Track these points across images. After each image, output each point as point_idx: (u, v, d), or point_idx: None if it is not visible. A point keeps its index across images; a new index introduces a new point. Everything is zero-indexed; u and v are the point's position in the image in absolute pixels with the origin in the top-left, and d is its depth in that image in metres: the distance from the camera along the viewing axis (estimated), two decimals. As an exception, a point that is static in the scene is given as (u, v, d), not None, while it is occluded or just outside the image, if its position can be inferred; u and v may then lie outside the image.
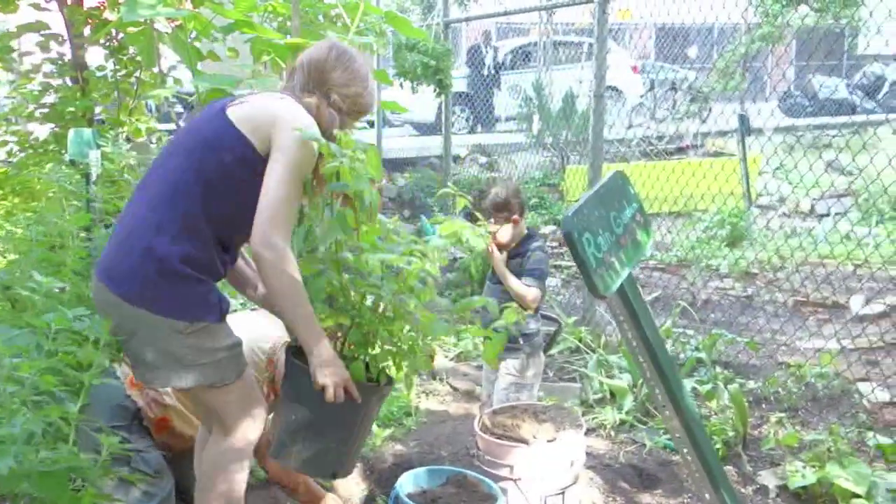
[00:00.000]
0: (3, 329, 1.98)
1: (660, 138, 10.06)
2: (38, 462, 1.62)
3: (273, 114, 2.00)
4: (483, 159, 10.64)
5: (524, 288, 3.01)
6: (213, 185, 1.99)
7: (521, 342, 3.10)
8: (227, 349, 2.03)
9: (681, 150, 10.31)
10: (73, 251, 3.33)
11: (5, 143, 6.62)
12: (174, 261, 1.92)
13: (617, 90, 11.92)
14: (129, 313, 1.92)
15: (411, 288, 2.06)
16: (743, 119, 7.94)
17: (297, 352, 2.01)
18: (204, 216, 1.97)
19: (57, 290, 3.22)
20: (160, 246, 1.93)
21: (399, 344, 2.10)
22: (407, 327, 2.10)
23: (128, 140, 5.99)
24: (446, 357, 4.49)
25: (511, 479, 2.52)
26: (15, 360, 1.72)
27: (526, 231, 3.15)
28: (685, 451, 2.03)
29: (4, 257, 3.91)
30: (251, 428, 2.09)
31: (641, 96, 12.96)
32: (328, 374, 1.91)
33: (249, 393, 2.11)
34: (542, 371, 3.34)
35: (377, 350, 2.05)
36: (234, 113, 2.04)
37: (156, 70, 6.32)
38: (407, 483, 2.46)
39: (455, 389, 4.09)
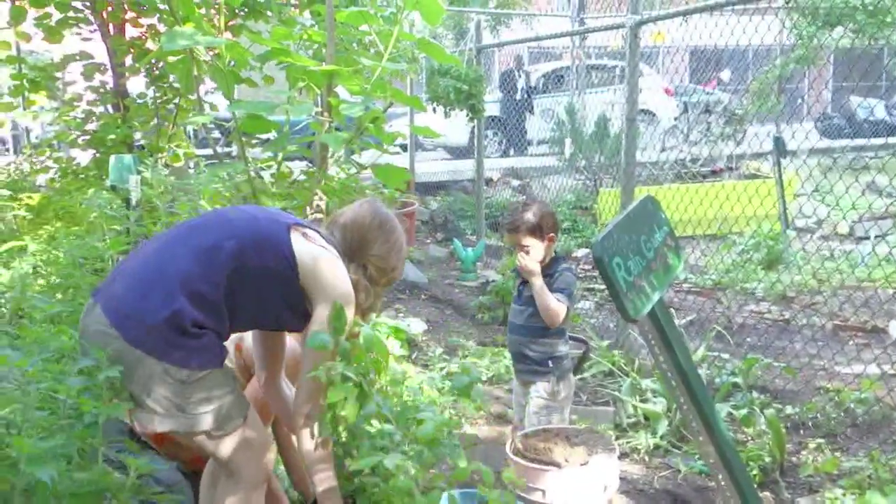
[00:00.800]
0: (40, 349, 2.02)
1: (694, 161, 10.00)
2: (72, 483, 1.66)
3: (326, 283, 2.07)
4: (515, 182, 10.67)
5: (557, 304, 3.00)
6: (245, 273, 2.01)
7: (551, 364, 3.09)
8: (227, 395, 2.01)
9: (715, 173, 10.23)
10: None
11: (48, 168, 6.82)
12: (187, 321, 1.92)
13: (650, 113, 11.87)
14: (130, 355, 1.88)
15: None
16: (778, 141, 7.87)
17: None
18: (225, 296, 1.99)
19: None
20: (180, 305, 1.91)
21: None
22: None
23: (166, 166, 6.13)
24: (479, 381, 4.48)
25: (543, 503, 2.50)
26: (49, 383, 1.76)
27: (554, 254, 3.16)
28: (720, 476, 2.01)
29: (47, 280, 4.00)
30: (259, 467, 2.09)
31: (675, 119, 12.90)
32: None
33: (256, 432, 2.09)
34: (574, 394, 3.32)
35: None
36: (298, 240, 2.09)
37: (194, 97, 6.49)
38: (438, 506, 2.46)
39: (486, 413, 4.08)
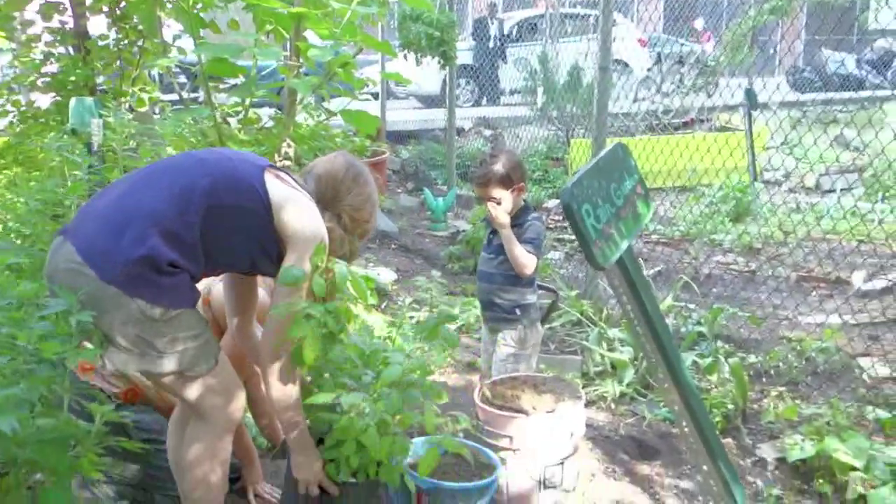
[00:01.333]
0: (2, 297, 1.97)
1: (666, 112, 9.99)
2: (36, 430, 1.63)
3: (300, 224, 2.05)
4: (487, 132, 10.60)
5: (526, 255, 3.01)
6: (219, 213, 1.98)
7: (519, 313, 3.10)
8: (199, 336, 1.99)
9: (687, 125, 10.24)
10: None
11: (6, 112, 6.61)
12: (162, 261, 1.89)
13: (623, 63, 11.81)
14: (102, 292, 1.86)
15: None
16: (750, 93, 7.88)
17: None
18: (200, 236, 1.96)
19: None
20: (155, 243, 1.89)
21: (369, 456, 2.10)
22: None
23: (131, 110, 5.97)
24: (448, 329, 4.49)
25: (510, 450, 2.53)
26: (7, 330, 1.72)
27: (523, 203, 3.14)
28: (683, 423, 2.04)
29: (5, 226, 3.91)
30: (232, 410, 2.08)
31: (648, 70, 12.85)
32: (303, 472, 2.11)
33: (227, 377, 2.08)
34: (542, 343, 3.34)
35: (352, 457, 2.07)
36: (272, 182, 2.06)
37: (158, 40, 6.30)
38: (406, 453, 2.48)
39: (455, 361, 4.10)
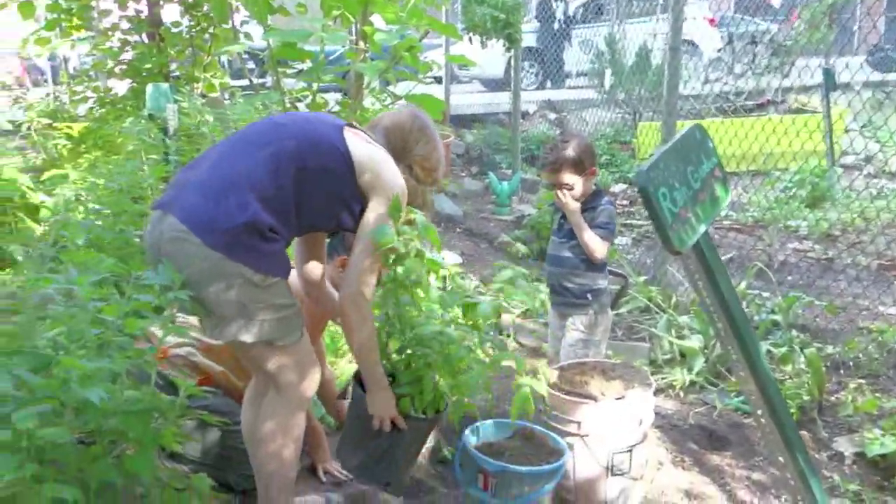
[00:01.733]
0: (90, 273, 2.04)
1: (738, 94, 9.70)
2: (122, 401, 1.69)
3: (382, 179, 2.11)
4: (552, 115, 10.48)
5: (597, 240, 2.99)
6: (306, 175, 2.04)
7: (590, 298, 3.07)
8: (291, 307, 2.06)
9: (760, 107, 9.92)
10: (151, 201, 3.43)
11: (86, 98, 6.85)
12: (264, 226, 1.97)
13: (693, 44, 11.49)
14: (207, 259, 1.92)
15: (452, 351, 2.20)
16: (828, 73, 7.58)
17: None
18: (292, 200, 2.03)
19: (137, 240, 3.34)
20: (256, 209, 1.95)
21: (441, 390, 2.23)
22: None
23: (202, 96, 6.11)
24: (513, 314, 4.49)
25: (578, 435, 2.51)
26: (102, 304, 1.78)
27: (594, 187, 3.10)
28: (759, 413, 1.99)
29: (87, 208, 4.05)
30: (307, 387, 2.14)
31: (719, 50, 12.48)
32: (378, 408, 2.14)
33: (306, 353, 2.14)
34: (611, 329, 3.30)
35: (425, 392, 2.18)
36: (352, 140, 2.11)
37: (228, 26, 6.42)
38: (473, 435, 2.49)
39: (521, 345, 4.09)
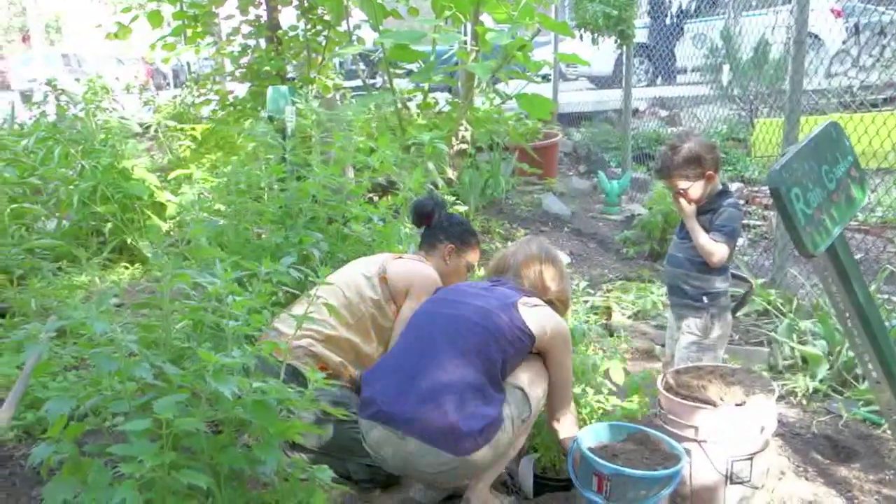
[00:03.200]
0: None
1: (864, 88, 9.17)
2: (251, 392, 1.77)
3: (558, 338, 2.49)
4: (663, 113, 10.22)
5: (711, 244, 2.89)
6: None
7: (706, 301, 2.98)
8: None
9: (890, 101, 9.35)
10: (271, 201, 3.57)
11: (209, 101, 7.19)
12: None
13: (815, 37, 10.95)
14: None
15: None
16: (966, 64, 7.06)
17: None
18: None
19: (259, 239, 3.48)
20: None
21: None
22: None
23: (316, 97, 6.30)
24: (624, 315, 4.41)
25: (695, 441, 2.45)
26: (236, 299, 1.86)
27: (720, 187, 3.00)
28: (896, 423, 1.89)
29: (210, 206, 4.25)
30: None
31: (844, 42, 11.84)
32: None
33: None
34: (729, 334, 3.19)
35: None
36: (529, 317, 2.41)
37: (342, 28, 6.60)
38: (588, 437, 2.46)
39: (634, 348, 4.01)
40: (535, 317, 2.43)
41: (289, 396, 1.77)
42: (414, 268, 2.95)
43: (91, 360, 1.75)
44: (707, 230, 2.94)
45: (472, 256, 3.16)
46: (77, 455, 1.71)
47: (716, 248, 2.89)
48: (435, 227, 3.13)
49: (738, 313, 3.40)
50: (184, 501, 1.66)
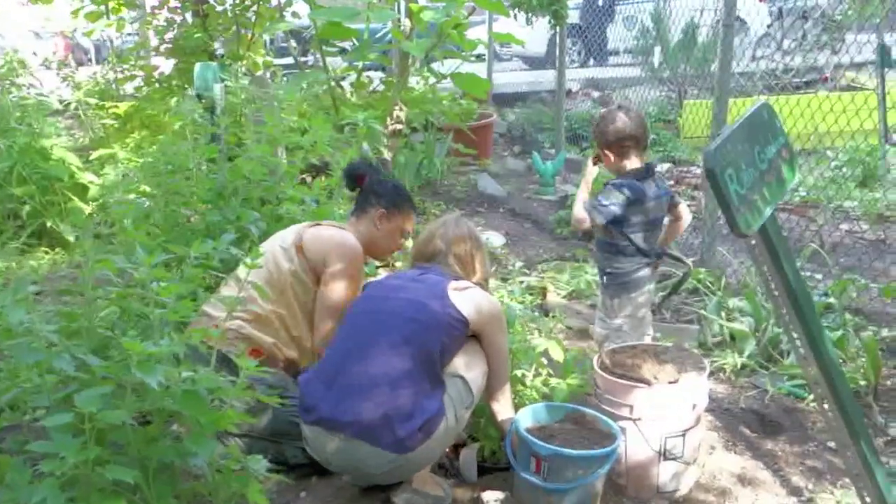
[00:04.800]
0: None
1: (786, 71, 9.44)
2: (181, 381, 1.70)
3: (492, 319, 2.48)
4: (596, 94, 10.34)
5: (579, 209, 3.06)
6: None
7: (605, 279, 3.08)
8: None
9: (809, 84, 9.66)
10: (200, 181, 3.45)
11: (133, 77, 6.91)
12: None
13: (741, 20, 11.20)
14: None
15: None
16: (882, 49, 7.33)
17: None
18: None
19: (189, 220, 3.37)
20: None
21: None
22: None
23: (245, 75, 6.13)
24: (559, 295, 4.45)
25: (630, 419, 2.48)
26: (162, 285, 1.79)
27: (637, 165, 3.04)
28: (823, 398, 1.94)
29: (135, 188, 4.10)
30: None
31: (769, 26, 12.16)
32: None
33: None
34: (658, 311, 3.24)
35: None
36: (459, 301, 2.39)
37: (272, 4, 6.42)
38: (525, 418, 2.47)
39: (568, 328, 4.05)
40: (467, 300, 2.42)
41: (220, 385, 1.71)
42: (329, 235, 2.81)
43: (8, 352, 1.66)
44: None
45: (406, 222, 3.01)
46: (-7, 453, 1.62)
47: (579, 214, 3.06)
48: (366, 190, 2.97)
49: (674, 295, 3.45)
50: (111, 498, 1.59)
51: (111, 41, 8.83)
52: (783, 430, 3.08)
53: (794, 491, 2.68)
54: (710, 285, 4.23)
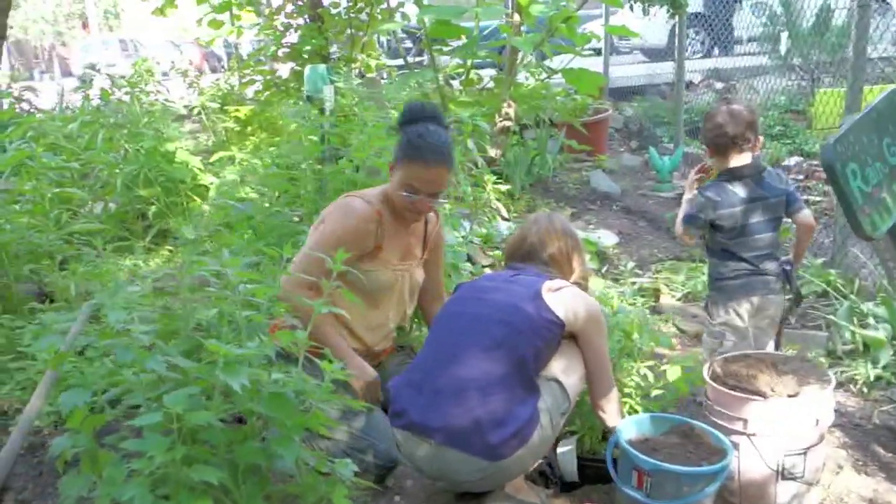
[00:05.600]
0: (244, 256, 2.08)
1: (937, 55, 8.68)
2: (269, 384, 1.70)
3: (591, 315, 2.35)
4: (719, 85, 9.87)
5: (678, 220, 2.97)
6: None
7: (709, 285, 3.01)
8: None
9: (962, 69, 8.84)
10: (307, 182, 3.51)
11: (253, 81, 7.18)
12: None
13: (883, 1, 10.41)
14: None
15: None
16: None
17: None
18: None
19: (295, 221, 3.42)
20: None
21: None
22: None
23: (360, 76, 6.23)
24: (673, 297, 4.24)
25: (744, 434, 2.31)
26: (251, 286, 1.80)
27: (731, 164, 2.85)
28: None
29: (252, 188, 4.22)
30: None
31: (916, 6, 11.23)
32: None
33: None
34: (743, 325, 2.96)
35: None
36: (554, 303, 2.27)
37: (385, 6, 6.49)
38: (628, 429, 2.34)
39: (682, 332, 3.86)
40: (562, 301, 2.29)
41: (306, 388, 1.70)
42: (336, 202, 2.61)
43: (110, 351, 1.71)
44: None
45: (410, 176, 2.47)
46: (94, 448, 1.67)
47: (676, 225, 3.00)
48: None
49: (786, 322, 3.13)
50: (200, 498, 1.60)
51: (236, 48, 9.22)
52: (923, 450, 2.80)
53: (934, 519, 2.43)
54: (841, 288, 3.92)
